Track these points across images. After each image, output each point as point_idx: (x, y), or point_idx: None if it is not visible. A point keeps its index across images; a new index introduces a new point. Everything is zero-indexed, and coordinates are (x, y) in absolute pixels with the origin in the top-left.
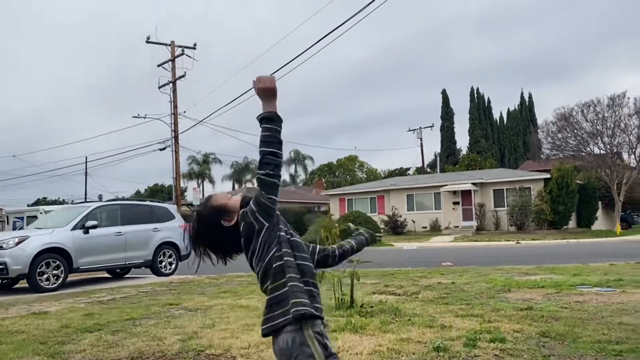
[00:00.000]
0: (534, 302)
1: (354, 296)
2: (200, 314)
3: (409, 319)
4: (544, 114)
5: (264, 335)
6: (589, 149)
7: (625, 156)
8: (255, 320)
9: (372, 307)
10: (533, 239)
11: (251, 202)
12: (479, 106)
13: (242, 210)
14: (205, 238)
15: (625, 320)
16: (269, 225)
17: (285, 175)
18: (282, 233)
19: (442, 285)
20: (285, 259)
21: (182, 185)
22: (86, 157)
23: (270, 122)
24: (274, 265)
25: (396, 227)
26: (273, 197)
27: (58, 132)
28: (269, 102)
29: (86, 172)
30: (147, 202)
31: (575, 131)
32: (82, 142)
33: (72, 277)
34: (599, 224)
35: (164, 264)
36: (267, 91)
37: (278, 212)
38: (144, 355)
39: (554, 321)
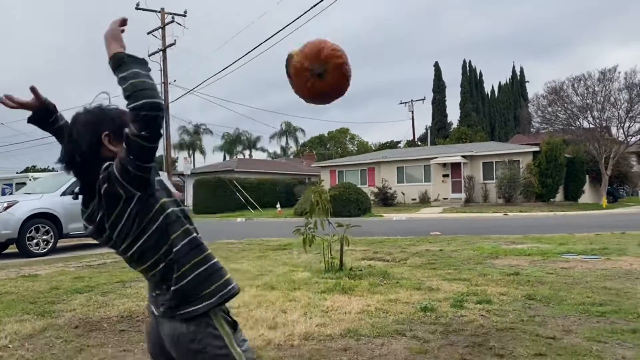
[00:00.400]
0: (520, 268)
1: (343, 260)
2: None
3: (397, 282)
4: (535, 88)
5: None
6: (578, 123)
7: (614, 130)
8: (246, 282)
9: (360, 270)
10: (520, 211)
11: (114, 167)
12: (471, 80)
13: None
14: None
15: (609, 285)
16: (142, 195)
17: (276, 147)
18: (166, 200)
19: (430, 252)
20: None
21: (173, 155)
22: None
23: (123, 67)
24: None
25: (386, 199)
26: (147, 165)
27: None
28: (108, 45)
29: None
30: None
31: (565, 105)
32: (71, 110)
33: (62, 243)
34: (585, 198)
35: None
36: (106, 37)
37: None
38: (134, 314)
39: (539, 285)
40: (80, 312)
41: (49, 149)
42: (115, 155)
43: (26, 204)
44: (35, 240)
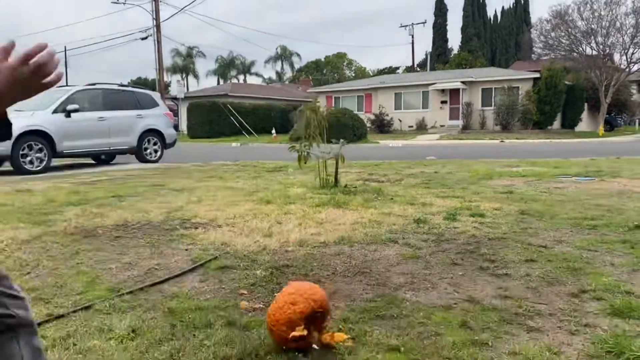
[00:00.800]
0: (514, 187)
1: (338, 177)
2: (186, 193)
3: (391, 198)
4: (538, 14)
5: None
6: (581, 49)
7: (616, 58)
8: (241, 198)
9: (355, 187)
10: (517, 138)
11: None
12: (474, 3)
13: None
14: None
15: (602, 202)
16: None
17: (271, 72)
18: None
19: (424, 174)
20: None
21: (165, 78)
22: (65, 47)
23: None
24: None
25: (382, 126)
26: None
27: (36, 18)
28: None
29: (66, 62)
30: (130, 88)
31: (569, 30)
32: (60, 30)
33: (56, 162)
34: (582, 126)
35: (149, 151)
36: None
37: None
38: (129, 223)
39: (533, 202)
40: (76, 222)
41: None
42: None
43: (17, 121)
44: (29, 158)
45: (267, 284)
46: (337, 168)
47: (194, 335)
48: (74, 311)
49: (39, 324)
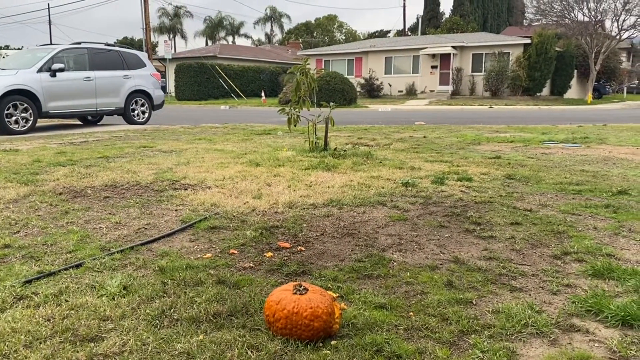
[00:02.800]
0: (502, 152)
1: (327, 141)
2: (175, 154)
3: (380, 162)
4: None
5: None
6: (573, 14)
7: (607, 24)
8: (230, 160)
9: (344, 151)
10: (506, 105)
11: None
12: None
13: None
14: None
15: (587, 168)
16: None
17: (260, 34)
18: None
19: (413, 138)
20: None
21: (152, 39)
22: (48, 4)
23: None
24: None
25: (372, 90)
26: None
27: None
28: None
29: (50, 20)
30: (117, 48)
31: None
32: None
33: (43, 123)
34: (571, 93)
35: (136, 112)
36: None
37: None
38: (118, 184)
39: (519, 167)
40: (64, 182)
41: (22, 28)
42: None
43: (1, 80)
44: (14, 118)
45: (257, 244)
46: (326, 131)
47: (185, 292)
48: (65, 269)
49: (30, 281)
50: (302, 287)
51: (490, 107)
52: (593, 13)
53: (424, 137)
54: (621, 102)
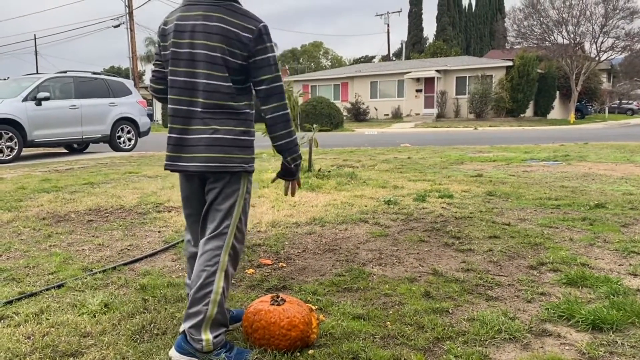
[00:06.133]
0: (484, 171)
1: (311, 162)
2: (160, 179)
3: (364, 182)
4: (512, 2)
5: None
6: (552, 37)
7: (587, 46)
8: None
9: (329, 172)
10: (490, 126)
11: None
12: None
13: None
14: None
15: (567, 184)
16: None
17: None
18: None
19: (398, 159)
20: None
21: (140, 68)
22: (35, 35)
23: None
24: None
25: (358, 114)
26: None
27: (3, 5)
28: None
29: (36, 51)
30: (103, 76)
31: (541, 19)
32: (30, 17)
33: (28, 152)
34: (554, 113)
35: (122, 139)
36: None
37: None
38: (102, 208)
39: (500, 184)
40: (48, 207)
41: (8, 58)
42: None
43: None
44: None
45: (239, 262)
46: (310, 153)
47: (166, 308)
48: (47, 289)
49: (11, 302)
50: (280, 298)
51: (475, 129)
52: (572, 36)
53: (409, 157)
54: (603, 122)
